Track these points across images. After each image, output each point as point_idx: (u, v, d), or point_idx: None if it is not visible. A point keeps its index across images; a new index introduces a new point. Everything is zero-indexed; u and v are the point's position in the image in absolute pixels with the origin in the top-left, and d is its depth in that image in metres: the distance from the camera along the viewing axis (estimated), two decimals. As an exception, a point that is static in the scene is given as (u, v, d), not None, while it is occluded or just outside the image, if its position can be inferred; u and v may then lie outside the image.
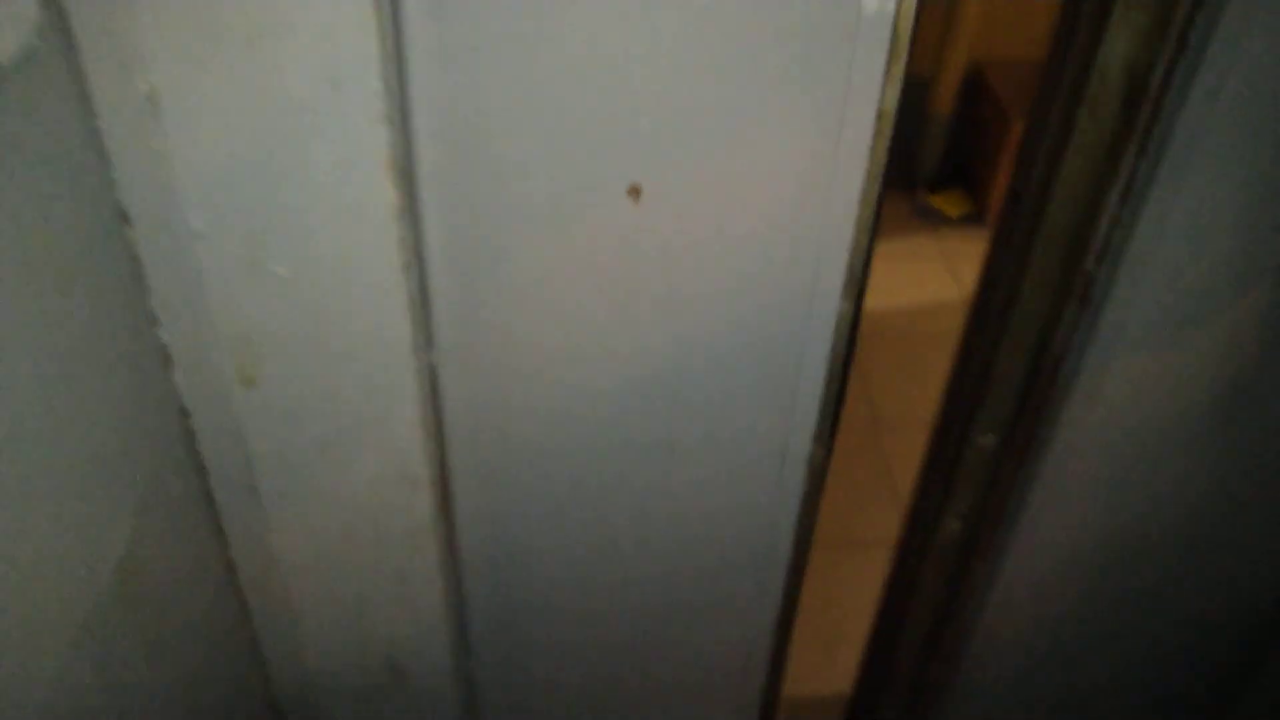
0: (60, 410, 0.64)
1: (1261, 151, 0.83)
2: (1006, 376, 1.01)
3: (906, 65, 0.76)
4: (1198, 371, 0.99)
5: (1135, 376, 0.98)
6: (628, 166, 0.80)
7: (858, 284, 0.91)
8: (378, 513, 0.92)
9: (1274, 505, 1.14)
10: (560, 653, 1.22)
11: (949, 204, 3.20)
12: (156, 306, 0.77)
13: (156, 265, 0.74)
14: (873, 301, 1.03)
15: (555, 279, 0.86)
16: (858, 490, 2.30)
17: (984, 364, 1.00)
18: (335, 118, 0.67)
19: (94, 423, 0.69)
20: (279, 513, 0.92)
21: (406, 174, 0.74)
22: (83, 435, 0.68)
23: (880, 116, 0.79)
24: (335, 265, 0.75)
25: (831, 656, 1.87)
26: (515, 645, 1.19)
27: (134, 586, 0.77)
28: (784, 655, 1.28)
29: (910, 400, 2.53)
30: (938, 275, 2.99)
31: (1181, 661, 1.35)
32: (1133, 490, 1.10)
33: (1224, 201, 0.86)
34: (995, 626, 1.23)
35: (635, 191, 0.82)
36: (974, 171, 3.18)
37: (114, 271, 0.71)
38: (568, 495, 1.04)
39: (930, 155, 3.20)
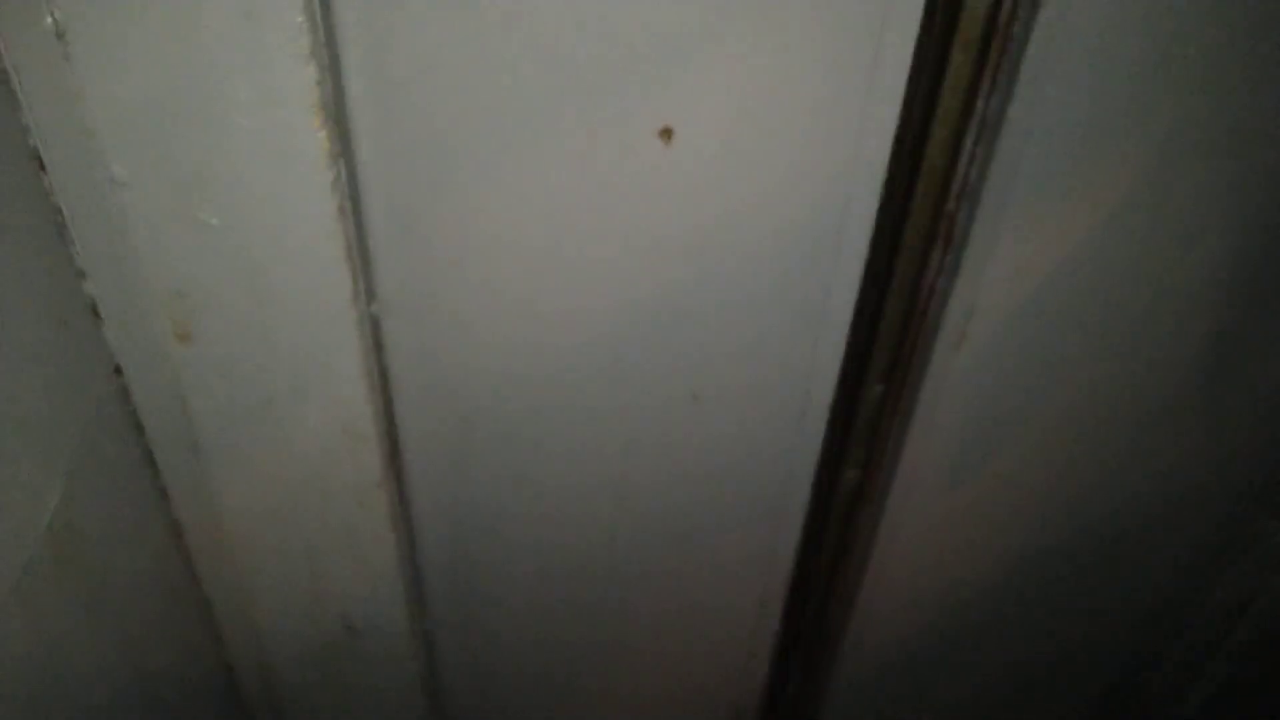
0: (-25, 365, 0.62)
1: (1106, 88, 0.82)
2: (889, 323, 1.01)
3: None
4: (1058, 320, 1.00)
5: (996, 321, 0.98)
6: (624, 99, 0.77)
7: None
8: (324, 469, 0.90)
9: (1137, 458, 1.16)
10: (529, 610, 1.21)
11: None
12: (81, 259, 0.74)
13: (78, 215, 0.71)
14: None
15: (526, 223, 0.84)
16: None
17: (873, 311, 1.00)
18: (256, 55, 0.64)
19: (15, 379, 0.66)
20: (222, 471, 0.90)
21: (338, 114, 0.71)
22: (2, 392, 0.65)
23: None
24: (266, 212, 0.73)
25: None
26: (477, 602, 1.18)
27: (70, 548, 0.75)
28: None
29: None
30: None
31: (1058, 617, 1.38)
32: (1001, 437, 1.11)
33: (1074, 137, 0.85)
34: (882, 577, 1.25)
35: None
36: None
37: (31, 221, 0.68)
38: (538, 449, 1.03)
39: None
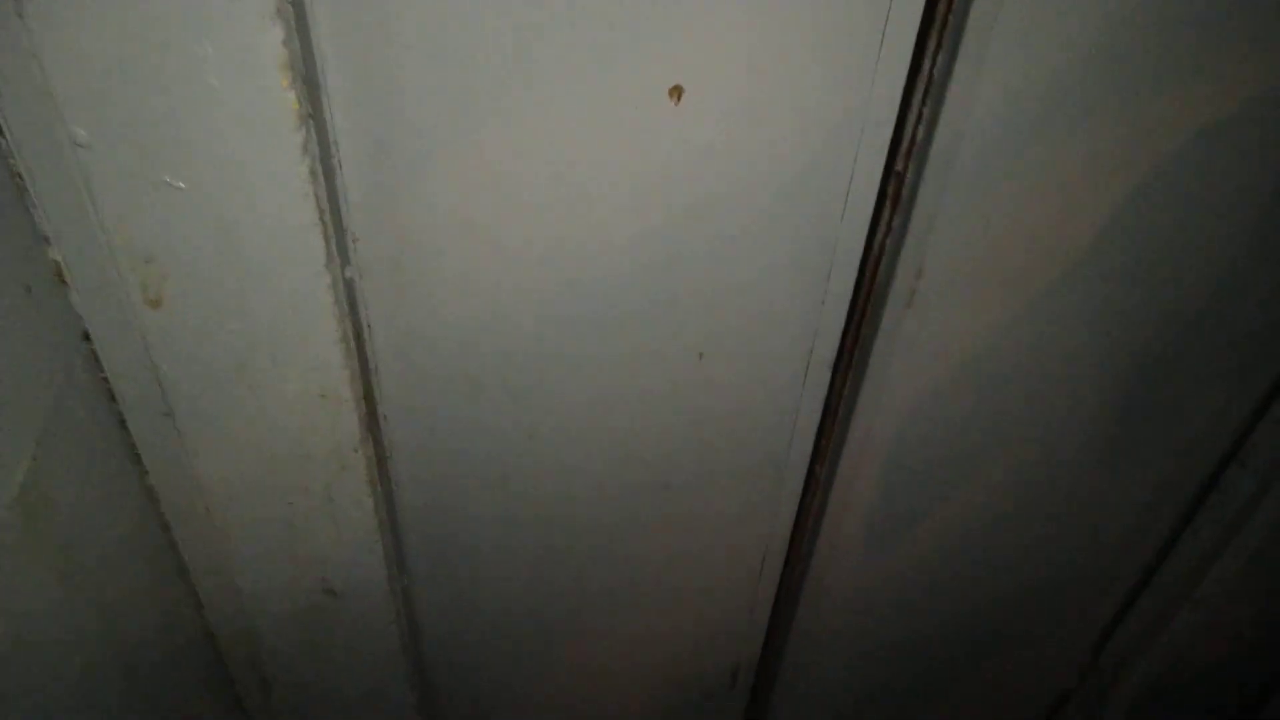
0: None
1: (1051, 45, 0.82)
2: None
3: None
4: (1005, 278, 1.00)
5: (944, 280, 0.98)
6: (634, 56, 0.76)
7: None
8: (301, 433, 0.89)
9: (1089, 413, 1.17)
10: (519, 570, 1.21)
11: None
12: (45, 223, 0.72)
13: (39, 179, 0.69)
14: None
15: (525, 181, 0.83)
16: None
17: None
18: (220, 13, 0.62)
19: (-21, 348, 0.65)
20: (197, 437, 0.88)
21: (308, 74, 0.69)
22: (-34, 361, 0.64)
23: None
24: (235, 175, 0.71)
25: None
26: (462, 564, 1.18)
27: (41, 517, 0.74)
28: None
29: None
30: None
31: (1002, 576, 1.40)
32: (949, 399, 1.12)
33: (1020, 96, 0.85)
34: (836, 535, 1.26)
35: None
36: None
37: (-10, 185, 0.66)
38: (536, 409, 1.02)
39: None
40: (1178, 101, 0.88)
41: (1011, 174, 0.90)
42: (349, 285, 0.85)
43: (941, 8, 0.79)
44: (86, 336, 0.80)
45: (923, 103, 0.84)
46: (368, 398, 0.93)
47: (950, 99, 0.83)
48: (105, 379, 0.83)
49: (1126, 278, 1.02)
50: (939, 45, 0.81)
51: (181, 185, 0.71)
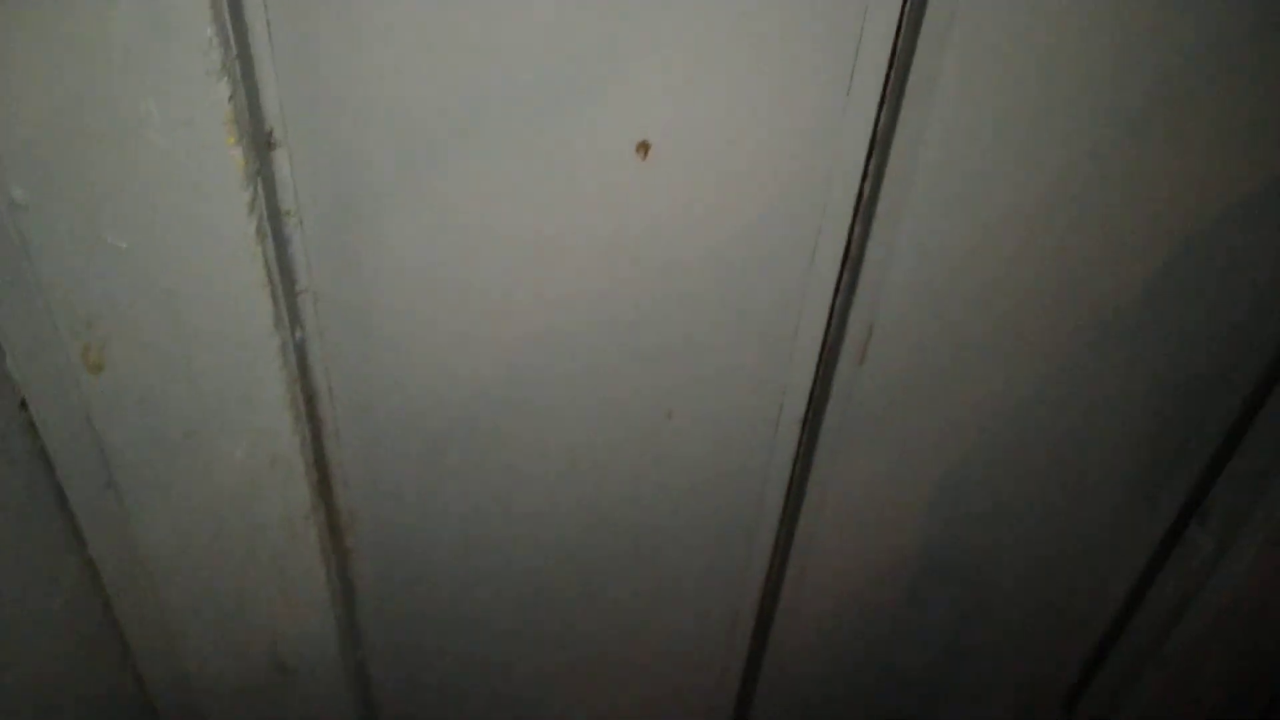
0: None
1: (995, 98, 0.82)
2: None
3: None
4: (956, 334, 1.00)
5: (895, 337, 0.98)
6: (601, 111, 0.75)
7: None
8: (249, 502, 0.86)
9: (1047, 462, 1.17)
10: (482, 639, 1.17)
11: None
12: (-22, 286, 0.70)
13: (-27, 239, 0.67)
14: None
15: (486, 240, 0.81)
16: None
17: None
18: (164, 70, 0.60)
19: (-97, 416, 0.62)
20: (141, 507, 0.85)
21: (255, 130, 0.67)
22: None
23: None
24: (180, 235, 0.69)
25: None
26: (423, 635, 1.14)
27: (-30, 595, 0.70)
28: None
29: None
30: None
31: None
32: (903, 457, 1.11)
33: (964, 149, 0.85)
34: (796, 593, 1.25)
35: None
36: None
37: (-80, 247, 0.64)
38: (497, 471, 0.99)
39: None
40: (1126, 153, 0.89)
41: (960, 228, 0.90)
42: (301, 347, 0.83)
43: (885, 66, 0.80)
44: (23, 404, 0.77)
45: (868, 158, 0.84)
46: (320, 463, 0.91)
47: (894, 155, 0.83)
48: (43, 448, 0.80)
49: (1079, 334, 1.02)
50: (882, 99, 0.81)
51: (123, 245, 0.69)
